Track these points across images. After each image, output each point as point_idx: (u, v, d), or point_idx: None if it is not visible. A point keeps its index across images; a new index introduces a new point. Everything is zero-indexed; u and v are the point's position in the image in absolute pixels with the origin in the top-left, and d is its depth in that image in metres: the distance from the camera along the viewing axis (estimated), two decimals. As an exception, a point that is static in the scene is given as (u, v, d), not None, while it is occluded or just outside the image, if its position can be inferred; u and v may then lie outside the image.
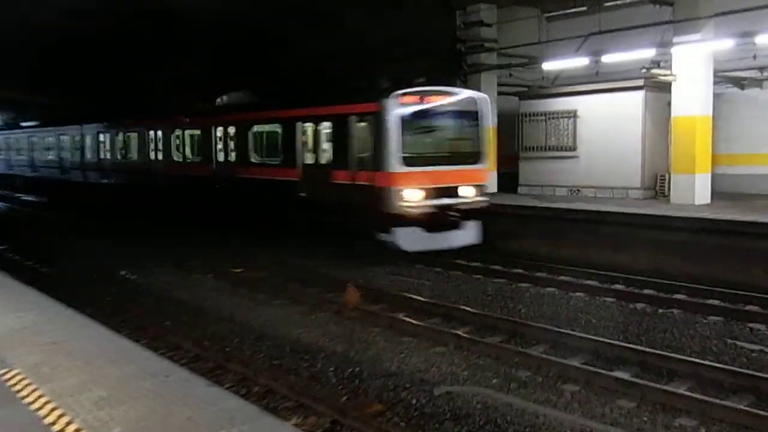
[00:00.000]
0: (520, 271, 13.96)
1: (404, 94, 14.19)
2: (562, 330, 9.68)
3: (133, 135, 25.75)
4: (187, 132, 22.10)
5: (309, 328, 10.47)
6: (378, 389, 7.84)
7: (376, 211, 14.20)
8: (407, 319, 10.52)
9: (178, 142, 22.48)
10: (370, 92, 14.83)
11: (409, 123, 14.22)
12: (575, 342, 9.18)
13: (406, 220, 14.03)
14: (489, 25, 19.96)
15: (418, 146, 14.60)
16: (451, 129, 15.56)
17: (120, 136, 26.87)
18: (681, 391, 7.47)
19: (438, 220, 14.36)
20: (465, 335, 9.61)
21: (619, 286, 12.36)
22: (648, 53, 16.28)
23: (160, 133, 23.50)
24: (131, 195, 26.37)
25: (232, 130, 19.35)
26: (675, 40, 15.98)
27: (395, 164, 13.93)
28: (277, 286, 13.26)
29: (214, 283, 14.04)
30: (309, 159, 16.32)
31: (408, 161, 14.03)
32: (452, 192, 14.63)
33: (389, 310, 11.32)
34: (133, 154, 25.75)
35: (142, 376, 5.69)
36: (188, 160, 22.00)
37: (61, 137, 32.27)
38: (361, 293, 11.60)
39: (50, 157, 33.46)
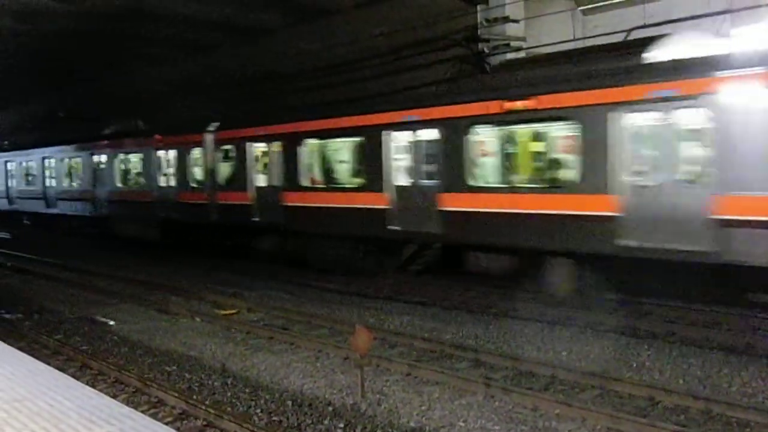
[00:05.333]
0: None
1: None
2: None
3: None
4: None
5: (313, 378, 10.46)
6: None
7: None
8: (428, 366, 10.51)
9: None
10: None
11: None
12: None
13: None
14: (516, 21, 20.09)
15: None
16: None
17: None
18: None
19: None
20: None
21: None
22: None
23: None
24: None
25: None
26: (732, 32, 16.03)
27: None
28: (275, 329, 13.30)
29: (201, 327, 14.08)
30: None
31: None
32: None
33: (407, 355, 11.31)
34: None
35: (120, 439, 5.68)
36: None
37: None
38: (374, 336, 11.58)
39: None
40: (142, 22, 24.67)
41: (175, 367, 11.25)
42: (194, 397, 9.64)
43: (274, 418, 8.90)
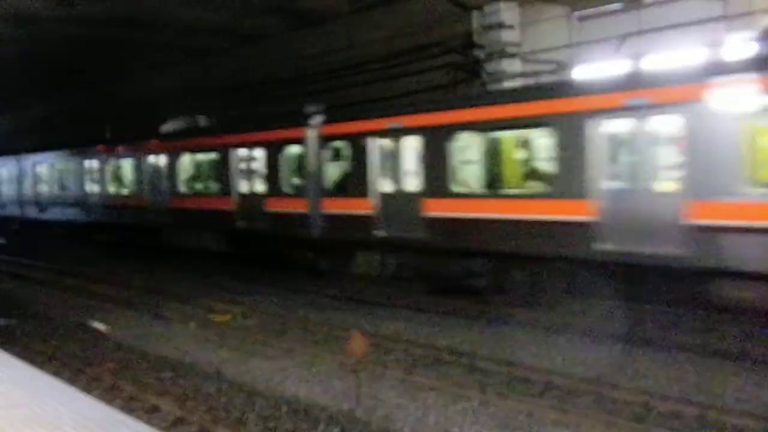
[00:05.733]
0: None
1: None
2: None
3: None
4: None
5: (308, 384, 10.46)
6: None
7: None
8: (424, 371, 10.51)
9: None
10: None
11: None
12: None
13: None
14: (511, 27, 20.15)
15: None
16: None
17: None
18: None
19: None
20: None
21: None
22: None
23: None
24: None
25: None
26: (727, 38, 16.08)
27: None
28: (270, 334, 13.30)
29: (196, 332, 14.07)
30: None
31: None
32: None
33: (402, 360, 11.32)
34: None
35: (115, 445, 5.69)
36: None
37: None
38: (370, 341, 11.59)
39: None
40: (144, 27, 24.72)
41: (170, 373, 11.24)
42: (189, 402, 9.64)
43: (269, 424, 8.90)
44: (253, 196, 19.63)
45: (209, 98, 27.74)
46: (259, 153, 19.34)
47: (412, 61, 21.00)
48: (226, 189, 20.42)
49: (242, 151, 19.93)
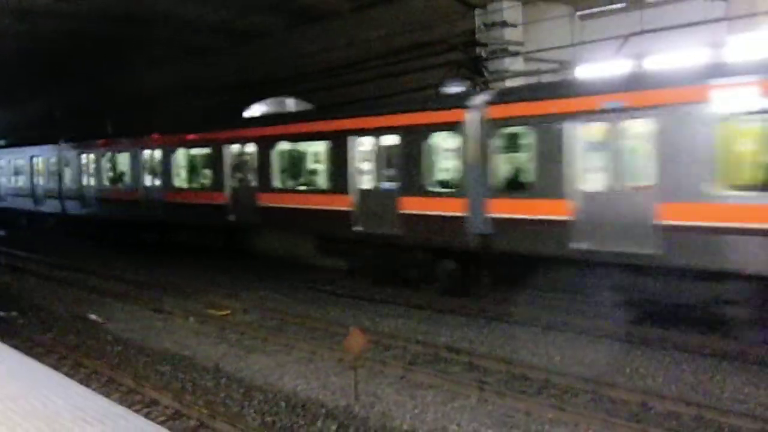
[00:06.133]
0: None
1: None
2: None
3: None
4: None
5: (307, 380, 10.47)
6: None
7: None
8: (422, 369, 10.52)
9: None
10: None
11: None
12: None
13: None
14: (514, 26, 20.14)
15: None
16: None
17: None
18: None
19: None
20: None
21: None
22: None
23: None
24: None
25: None
26: (729, 39, 16.07)
27: None
28: (269, 329, 13.30)
29: (195, 326, 14.08)
30: None
31: None
32: None
33: (401, 357, 11.34)
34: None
35: (113, 438, 5.70)
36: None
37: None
38: (368, 338, 11.59)
39: None
40: (143, 24, 24.72)
41: (168, 367, 11.25)
42: (187, 397, 9.65)
43: (267, 419, 8.91)
44: (380, 194, 16.09)
45: (209, 95, 27.76)
46: (391, 140, 15.76)
47: (413, 59, 20.99)
48: (339, 185, 16.91)
49: (366, 139, 16.36)
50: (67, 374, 8.34)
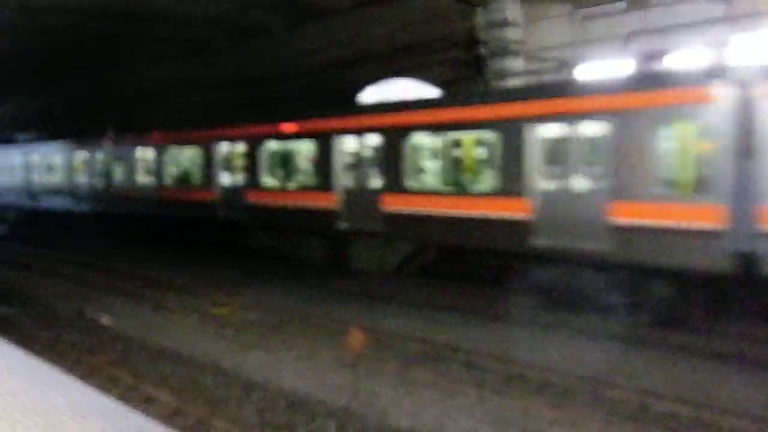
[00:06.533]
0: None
1: None
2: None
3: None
4: None
5: (306, 377, 10.49)
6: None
7: None
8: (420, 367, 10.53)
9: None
10: None
11: None
12: None
13: None
14: (515, 25, 20.13)
15: None
16: None
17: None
18: None
19: None
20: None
21: None
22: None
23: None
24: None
25: None
26: (732, 39, 16.07)
27: None
28: (269, 327, 13.33)
29: (196, 324, 14.10)
30: None
31: None
32: None
33: (400, 356, 11.36)
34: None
35: (112, 435, 5.71)
36: None
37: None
38: (368, 336, 11.61)
39: None
40: (144, 19, 24.72)
41: (168, 364, 11.26)
42: (187, 394, 9.67)
43: (266, 416, 8.92)
44: (577, 197, 12.71)
45: (208, 92, 27.75)
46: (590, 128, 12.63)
47: (414, 57, 21.00)
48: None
49: (550, 127, 13.19)
50: (66, 371, 8.35)
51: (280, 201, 18.70)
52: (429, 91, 19.77)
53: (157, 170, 23.69)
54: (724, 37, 16.17)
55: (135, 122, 26.91)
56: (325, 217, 17.19)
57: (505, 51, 20.14)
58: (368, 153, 16.56)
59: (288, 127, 18.42)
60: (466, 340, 12.24)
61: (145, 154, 24.53)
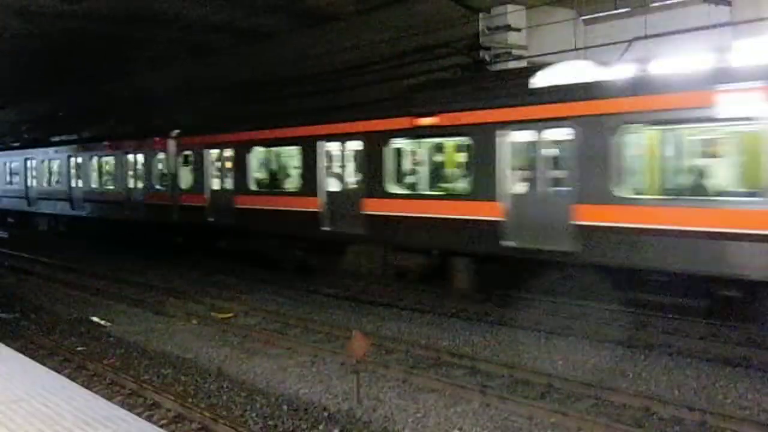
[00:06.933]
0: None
1: None
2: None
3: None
4: None
5: (309, 383, 10.46)
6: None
7: None
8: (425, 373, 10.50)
9: None
10: None
11: None
12: None
13: None
14: (518, 30, 20.14)
15: None
16: None
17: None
18: None
19: None
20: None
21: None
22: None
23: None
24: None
25: None
26: (734, 44, 16.06)
27: None
28: (271, 332, 13.30)
29: (197, 329, 14.07)
30: None
31: None
32: None
33: (403, 361, 11.33)
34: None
35: (115, 441, 5.69)
36: None
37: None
38: (371, 341, 11.59)
39: None
40: (148, 24, 24.74)
41: (170, 370, 11.25)
42: (190, 400, 9.64)
43: (270, 423, 8.90)
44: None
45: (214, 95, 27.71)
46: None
47: (418, 62, 21.02)
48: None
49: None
50: (69, 377, 8.34)
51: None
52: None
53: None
54: (726, 42, 16.19)
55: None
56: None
57: (508, 56, 20.16)
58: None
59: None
60: (469, 346, 12.22)
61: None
